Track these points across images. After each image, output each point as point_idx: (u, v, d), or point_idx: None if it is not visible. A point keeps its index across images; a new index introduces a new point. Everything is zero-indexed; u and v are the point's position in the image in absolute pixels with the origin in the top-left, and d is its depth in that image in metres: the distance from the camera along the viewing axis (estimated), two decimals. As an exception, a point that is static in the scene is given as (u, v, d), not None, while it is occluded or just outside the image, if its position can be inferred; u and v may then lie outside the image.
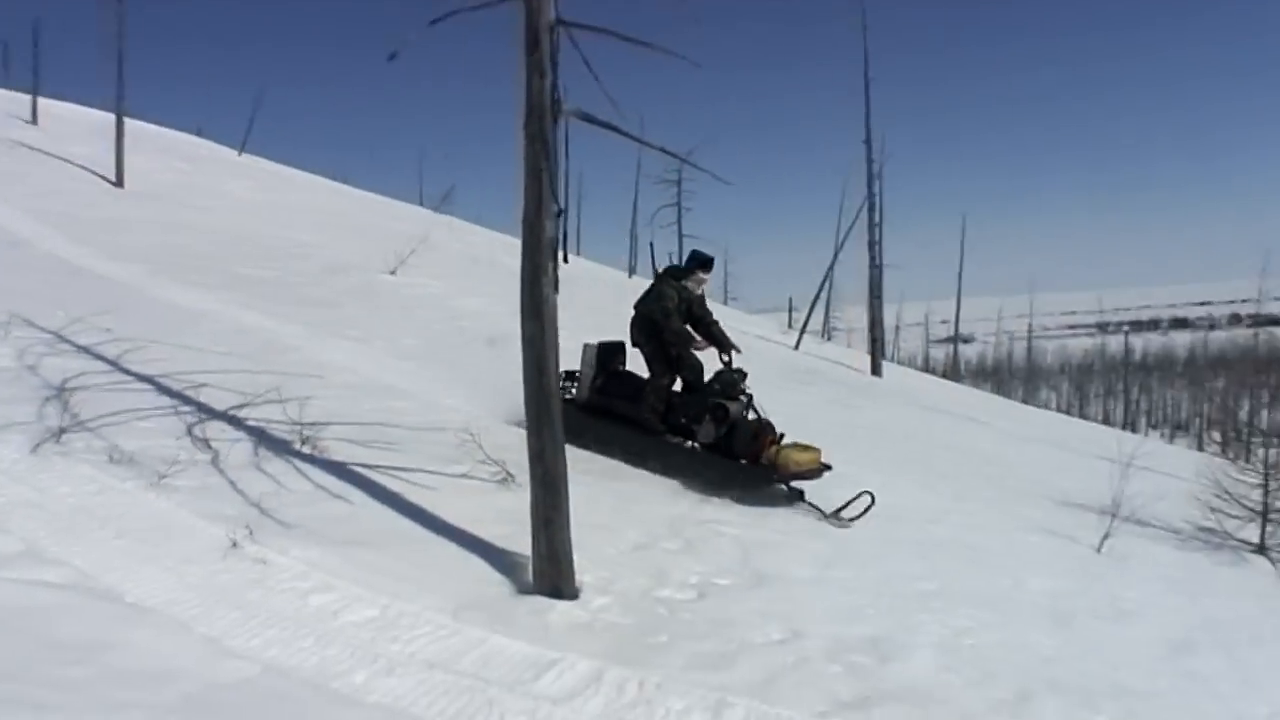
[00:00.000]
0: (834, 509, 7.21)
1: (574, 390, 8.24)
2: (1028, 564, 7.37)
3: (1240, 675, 5.77)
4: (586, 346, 8.30)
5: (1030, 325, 61.54)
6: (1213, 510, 9.75)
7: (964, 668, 4.92)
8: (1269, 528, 9.65)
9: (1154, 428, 63.39)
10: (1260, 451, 10.44)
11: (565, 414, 7.53)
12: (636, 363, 8.25)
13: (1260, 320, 47.96)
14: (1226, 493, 9.85)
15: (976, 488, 10.31)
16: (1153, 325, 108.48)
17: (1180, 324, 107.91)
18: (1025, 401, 50.39)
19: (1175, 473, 12.02)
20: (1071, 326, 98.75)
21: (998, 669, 4.98)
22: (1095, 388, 70.92)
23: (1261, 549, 9.57)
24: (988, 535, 8.05)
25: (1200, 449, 31.99)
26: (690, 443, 7.86)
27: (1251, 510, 9.73)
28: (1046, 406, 56.30)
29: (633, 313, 8.16)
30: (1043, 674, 5.07)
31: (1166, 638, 6.15)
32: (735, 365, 7.85)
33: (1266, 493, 9.75)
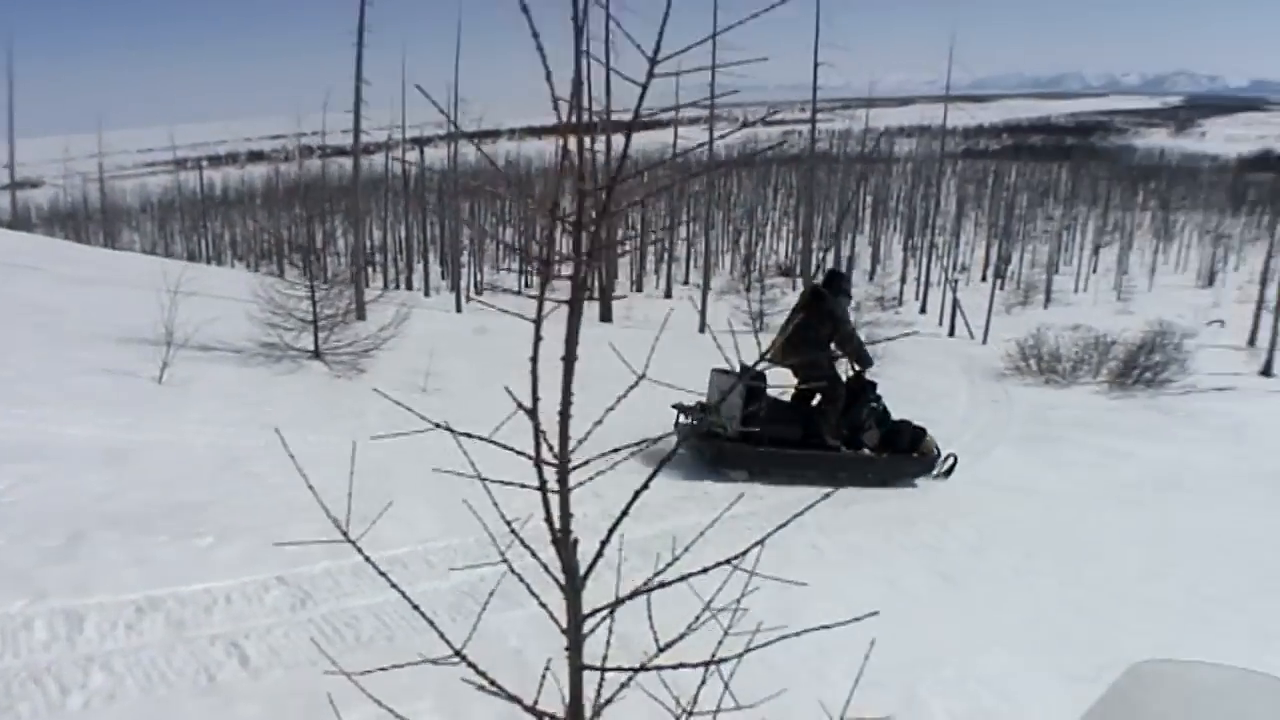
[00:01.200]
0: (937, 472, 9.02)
1: (719, 424, 7.92)
2: (82, 406, 7.23)
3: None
4: (723, 374, 7.78)
5: (102, 165, 57.37)
6: (271, 326, 10.46)
7: (9, 525, 4.79)
8: (320, 334, 10.73)
9: (240, 258, 65.49)
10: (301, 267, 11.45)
11: (716, 449, 7.97)
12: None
13: (329, 151, 51.68)
14: (282, 308, 10.63)
15: (26, 338, 9.71)
16: (231, 159, 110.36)
17: (257, 156, 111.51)
18: (109, 245, 47.79)
19: (237, 296, 12.52)
20: (149, 164, 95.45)
21: (46, 519, 4.92)
22: (179, 225, 70.45)
23: (316, 354, 10.62)
24: (39, 384, 7.67)
25: (281, 274, 34.04)
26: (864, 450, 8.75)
27: (304, 321, 10.68)
28: (131, 248, 54.38)
29: (794, 336, 8.00)
30: (97, 511, 5.16)
31: (226, 455, 6.58)
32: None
33: (315, 304, 10.78)
